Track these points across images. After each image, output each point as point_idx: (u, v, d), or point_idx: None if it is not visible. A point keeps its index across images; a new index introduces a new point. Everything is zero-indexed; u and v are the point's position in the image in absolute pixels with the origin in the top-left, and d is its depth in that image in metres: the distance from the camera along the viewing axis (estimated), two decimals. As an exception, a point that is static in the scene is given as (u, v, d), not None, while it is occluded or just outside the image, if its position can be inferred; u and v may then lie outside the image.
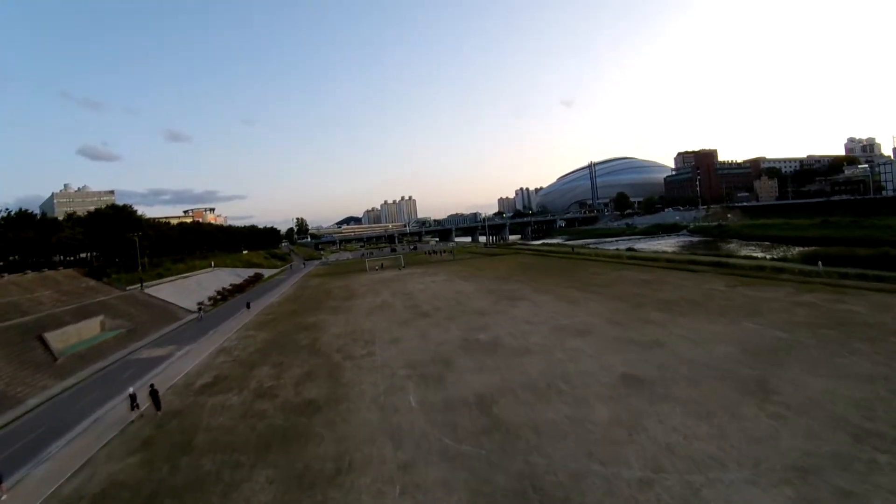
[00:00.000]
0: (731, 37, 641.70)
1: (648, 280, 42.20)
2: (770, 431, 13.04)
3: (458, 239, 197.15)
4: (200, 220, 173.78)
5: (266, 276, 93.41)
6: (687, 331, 24.04)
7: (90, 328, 38.54)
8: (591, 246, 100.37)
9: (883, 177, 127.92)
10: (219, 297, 62.26)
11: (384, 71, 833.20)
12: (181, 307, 52.10)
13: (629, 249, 77.44)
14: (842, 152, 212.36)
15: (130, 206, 72.01)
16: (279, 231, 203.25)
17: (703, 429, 13.52)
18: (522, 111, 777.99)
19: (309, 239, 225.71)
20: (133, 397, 19.81)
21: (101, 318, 40.79)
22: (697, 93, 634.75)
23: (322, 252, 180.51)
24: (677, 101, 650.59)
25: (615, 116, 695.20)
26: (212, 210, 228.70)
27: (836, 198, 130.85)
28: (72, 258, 65.94)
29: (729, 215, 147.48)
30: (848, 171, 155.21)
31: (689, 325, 25.02)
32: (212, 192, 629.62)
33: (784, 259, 50.83)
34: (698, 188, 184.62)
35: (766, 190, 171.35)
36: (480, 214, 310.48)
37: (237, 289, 69.97)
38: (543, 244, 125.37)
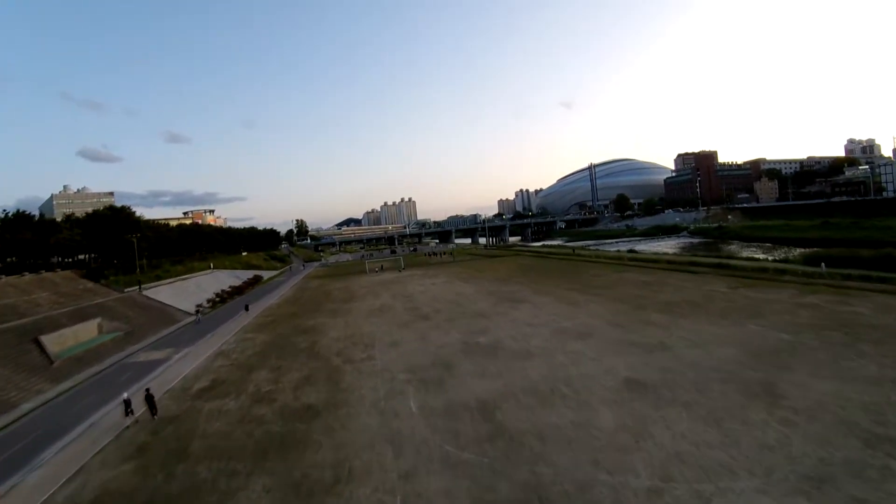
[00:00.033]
0: (730, 38, 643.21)
1: (649, 282, 41.92)
2: (780, 437, 12.74)
3: (457, 240, 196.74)
4: (200, 221, 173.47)
5: (265, 277, 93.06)
6: (689, 333, 23.76)
7: (87, 331, 38.19)
8: (591, 247, 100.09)
9: (883, 178, 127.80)
10: (217, 299, 61.88)
11: (384, 72, 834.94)
12: (180, 309, 51.72)
13: (630, 251, 77.20)
14: (842, 153, 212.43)
15: (129, 208, 71.76)
16: (279, 233, 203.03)
17: (712, 435, 13.20)
18: (522, 112, 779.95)
19: (309, 240, 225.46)
20: (127, 403, 19.46)
21: (98, 320, 40.46)
22: (697, 94, 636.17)
23: (322, 254, 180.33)
24: (677, 102, 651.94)
25: (615, 118, 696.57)
26: (211, 212, 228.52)
27: (836, 199, 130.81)
28: (70, 260, 65.58)
29: (729, 217, 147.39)
30: (848, 173, 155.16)
31: (692, 328, 24.74)
32: (212, 194, 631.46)
33: (786, 260, 50.57)
34: (698, 189, 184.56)
35: (767, 191, 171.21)
36: (480, 216, 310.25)
37: (236, 291, 69.60)
38: (543, 246, 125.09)
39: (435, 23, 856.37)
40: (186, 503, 12.75)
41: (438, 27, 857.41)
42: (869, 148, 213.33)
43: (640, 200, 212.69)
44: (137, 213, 74.81)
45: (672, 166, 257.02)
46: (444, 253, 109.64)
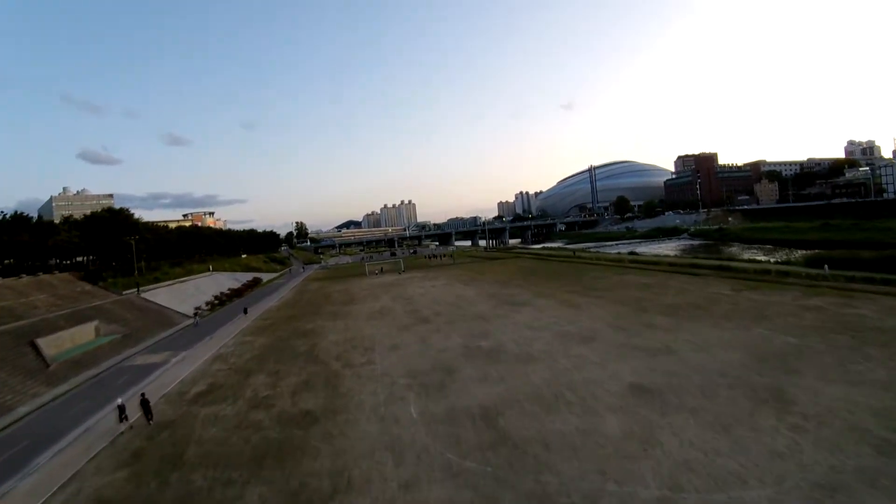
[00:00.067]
0: (730, 39, 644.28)
1: (651, 284, 41.65)
2: (791, 444, 12.44)
3: (457, 243, 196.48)
4: (200, 223, 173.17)
5: (265, 280, 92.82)
6: (694, 336, 23.47)
7: (84, 333, 37.85)
8: (591, 250, 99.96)
9: (884, 179, 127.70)
10: (216, 301, 61.57)
11: (384, 73, 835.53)
12: (178, 312, 51.41)
13: (630, 253, 77.04)
14: (842, 155, 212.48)
15: (127, 210, 71.59)
16: (279, 235, 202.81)
17: (721, 442, 12.88)
18: (522, 114, 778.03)
19: (308, 243, 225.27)
20: (121, 409, 19.11)
21: (95, 323, 40.12)
22: (697, 96, 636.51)
23: (322, 256, 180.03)
24: (677, 104, 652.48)
25: (615, 120, 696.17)
26: (211, 214, 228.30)
27: (836, 201, 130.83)
28: (68, 262, 65.28)
29: (730, 218, 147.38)
30: (849, 174, 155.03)
31: (696, 331, 24.46)
32: (212, 196, 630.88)
33: (788, 262, 50.44)
34: (698, 191, 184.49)
35: (767, 193, 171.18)
36: (480, 218, 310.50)
37: (235, 293, 69.30)
38: (544, 248, 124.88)
39: (435, 24, 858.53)
40: (181, 513, 12.40)
41: (438, 28, 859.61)
42: (869, 149, 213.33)
43: (641, 202, 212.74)
44: (136, 215, 74.65)
45: (672, 168, 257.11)
46: (444, 255, 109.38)
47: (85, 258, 68.08)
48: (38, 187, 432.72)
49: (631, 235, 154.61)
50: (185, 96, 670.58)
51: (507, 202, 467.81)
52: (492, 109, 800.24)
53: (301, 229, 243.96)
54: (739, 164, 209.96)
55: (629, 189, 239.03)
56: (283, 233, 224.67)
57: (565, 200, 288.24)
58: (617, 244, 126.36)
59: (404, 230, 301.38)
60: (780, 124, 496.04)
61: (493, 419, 15.86)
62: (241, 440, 16.51)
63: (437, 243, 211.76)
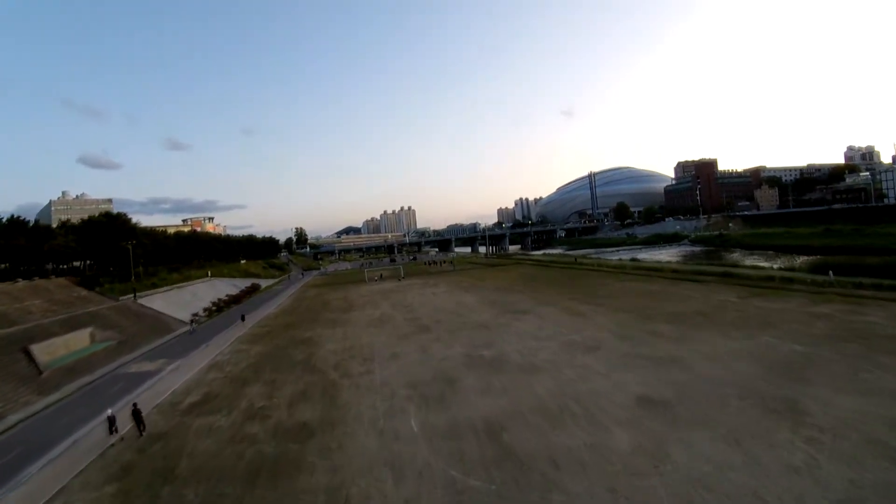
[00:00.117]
0: (730, 46, 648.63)
1: (655, 291, 41.12)
2: (807, 459, 11.97)
3: (457, 249, 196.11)
4: (199, 229, 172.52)
5: (263, 286, 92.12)
6: (701, 345, 22.97)
7: (79, 340, 37.21)
8: (592, 256, 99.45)
9: (884, 184, 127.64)
10: (214, 308, 60.90)
11: (384, 81, 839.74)
12: (175, 318, 50.75)
13: (632, 259, 76.45)
14: (841, 161, 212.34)
15: (125, 215, 71.01)
16: (278, 241, 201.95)
17: (734, 457, 12.35)
18: (522, 120, 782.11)
19: (308, 249, 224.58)
20: (111, 420, 18.51)
21: (90, 329, 39.47)
22: (696, 102, 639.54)
23: (321, 262, 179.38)
24: (676, 110, 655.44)
25: (614, 126, 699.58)
26: (211, 219, 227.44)
27: (837, 206, 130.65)
28: (65, 266, 64.70)
29: (730, 224, 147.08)
30: (849, 179, 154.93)
31: (703, 339, 23.96)
32: (211, 202, 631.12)
33: (791, 269, 49.93)
34: (699, 198, 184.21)
35: (767, 199, 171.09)
36: (480, 225, 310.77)
37: (233, 300, 68.64)
38: (544, 254, 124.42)
39: (435, 32, 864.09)
40: (169, 533, 11.78)
41: (439, 36, 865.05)
42: (868, 155, 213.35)
43: (640, 209, 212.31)
44: (134, 220, 74.18)
45: (672, 174, 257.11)
46: (444, 262, 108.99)
47: (82, 263, 67.50)
48: (39, 191, 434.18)
49: (631, 242, 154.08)
50: (185, 101, 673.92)
51: (506, 208, 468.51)
52: (492, 116, 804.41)
53: (301, 235, 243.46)
54: (739, 170, 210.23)
55: (629, 195, 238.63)
56: (282, 238, 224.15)
57: (565, 207, 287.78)
58: (617, 251, 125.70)
59: (404, 236, 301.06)
60: (779, 130, 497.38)
61: (497, 433, 15.27)
62: (235, 454, 15.90)
63: (437, 250, 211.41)
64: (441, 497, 11.93)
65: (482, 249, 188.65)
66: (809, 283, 37.05)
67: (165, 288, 61.75)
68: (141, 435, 18.62)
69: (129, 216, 73.01)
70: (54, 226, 71.94)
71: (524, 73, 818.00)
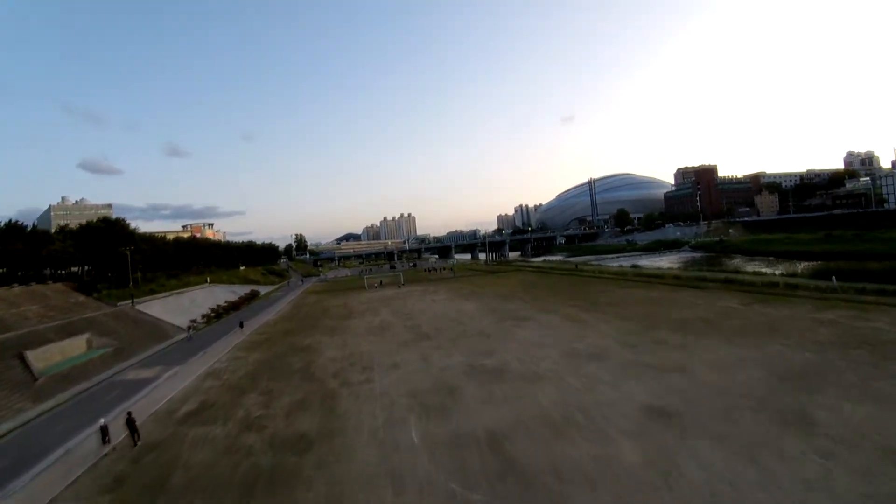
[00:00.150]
0: (729, 52, 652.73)
1: (657, 298, 40.74)
2: (822, 472, 11.58)
3: (457, 256, 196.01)
4: (198, 234, 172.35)
5: (263, 292, 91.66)
6: (707, 353, 22.57)
7: (75, 346, 36.74)
8: (592, 263, 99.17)
9: (885, 189, 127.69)
10: (213, 314, 60.41)
11: (385, 87, 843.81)
12: (173, 325, 50.25)
13: (633, 266, 76.13)
14: (841, 166, 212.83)
15: (123, 220, 70.74)
16: (277, 247, 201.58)
17: (748, 471, 11.92)
18: (522, 127, 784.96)
19: (308, 255, 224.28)
20: (104, 430, 18.05)
21: (87, 335, 38.99)
22: (696, 109, 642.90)
23: (320, 269, 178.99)
24: (676, 116, 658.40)
25: (614, 133, 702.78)
26: (210, 225, 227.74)
27: (837, 212, 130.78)
28: (63, 272, 64.27)
29: (730, 231, 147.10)
30: (849, 185, 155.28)
31: (709, 347, 23.55)
32: (211, 208, 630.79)
33: (794, 275, 49.67)
34: (699, 204, 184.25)
35: (767, 205, 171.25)
36: (480, 231, 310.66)
37: (232, 306, 68.18)
38: (545, 261, 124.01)
39: (436, 38, 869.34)
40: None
41: (439, 43, 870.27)
42: (868, 160, 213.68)
43: (640, 215, 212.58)
44: (133, 226, 73.82)
45: (671, 181, 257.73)
46: (444, 268, 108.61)
47: (80, 269, 67.10)
48: (40, 197, 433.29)
49: (632, 248, 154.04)
50: (185, 106, 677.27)
51: (506, 215, 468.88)
52: (492, 122, 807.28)
53: (300, 242, 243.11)
54: (739, 176, 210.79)
55: (629, 202, 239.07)
56: (282, 245, 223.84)
57: (565, 213, 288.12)
58: (618, 257, 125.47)
59: (404, 243, 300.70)
60: (779, 136, 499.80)
61: (500, 444, 14.80)
62: (231, 466, 15.42)
63: (437, 256, 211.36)
64: (443, 513, 11.48)
65: (482, 256, 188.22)
66: (813, 289, 36.74)
67: (164, 294, 61.35)
68: (135, 445, 18.16)
69: (129, 222, 72.86)
70: (53, 231, 71.71)
71: (524, 78, 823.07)
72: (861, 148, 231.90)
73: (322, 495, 12.90)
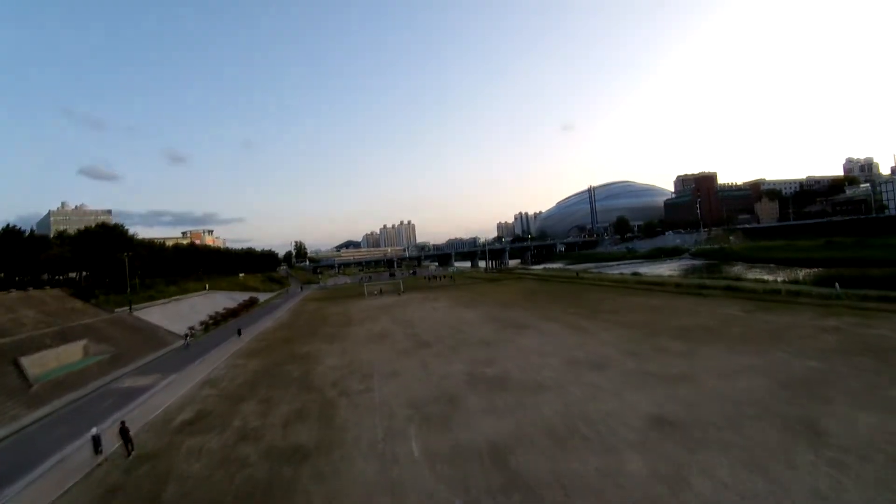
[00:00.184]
0: (729, 60, 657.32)
1: (658, 306, 40.42)
2: (833, 483, 11.31)
3: (457, 264, 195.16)
4: (198, 241, 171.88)
5: (262, 300, 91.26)
6: (711, 361, 22.25)
7: (71, 353, 36.33)
8: (593, 270, 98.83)
9: (885, 196, 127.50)
10: (211, 321, 60.02)
11: (386, 95, 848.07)
12: (171, 332, 49.84)
13: (634, 274, 75.85)
14: (841, 173, 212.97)
15: (122, 226, 70.31)
16: (277, 255, 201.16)
17: (757, 482, 11.61)
18: (522, 136, 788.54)
19: (307, 263, 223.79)
20: (97, 440, 17.67)
21: (84, 342, 38.59)
22: (696, 116, 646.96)
23: (320, 276, 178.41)
24: (676, 124, 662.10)
25: (614, 140, 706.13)
26: (210, 232, 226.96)
27: (837, 218, 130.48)
28: (61, 277, 63.86)
29: (731, 238, 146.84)
30: (849, 191, 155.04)
31: (713, 355, 23.23)
32: (211, 215, 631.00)
33: (796, 281, 49.33)
34: (699, 211, 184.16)
35: (767, 212, 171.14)
36: (480, 239, 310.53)
37: (231, 313, 67.79)
38: (545, 269, 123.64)
39: (439, 47, 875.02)
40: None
41: (442, 52, 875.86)
42: (867, 166, 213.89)
43: (640, 223, 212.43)
44: (133, 232, 73.34)
45: (671, 188, 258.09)
46: (444, 276, 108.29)
47: (77, 274, 66.69)
48: (40, 202, 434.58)
49: (632, 256, 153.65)
50: (186, 112, 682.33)
51: (506, 223, 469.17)
52: (492, 131, 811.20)
53: (300, 249, 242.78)
54: (739, 183, 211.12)
55: (629, 209, 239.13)
56: (281, 252, 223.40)
57: (565, 221, 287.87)
58: (618, 265, 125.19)
59: (404, 251, 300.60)
60: (778, 143, 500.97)
61: (503, 457, 14.43)
62: (226, 478, 15.04)
63: (437, 264, 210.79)
64: (445, 528, 11.11)
65: (482, 264, 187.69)
66: (815, 296, 36.50)
67: (162, 300, 60.94)
68: (129, 455, 17.78)
69: (128, 228, 72.39)
70: (52, 236, 71.40)
71: (525, 87, 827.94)
72: (860, 154, 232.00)
73: (320, 509, 12.53)
